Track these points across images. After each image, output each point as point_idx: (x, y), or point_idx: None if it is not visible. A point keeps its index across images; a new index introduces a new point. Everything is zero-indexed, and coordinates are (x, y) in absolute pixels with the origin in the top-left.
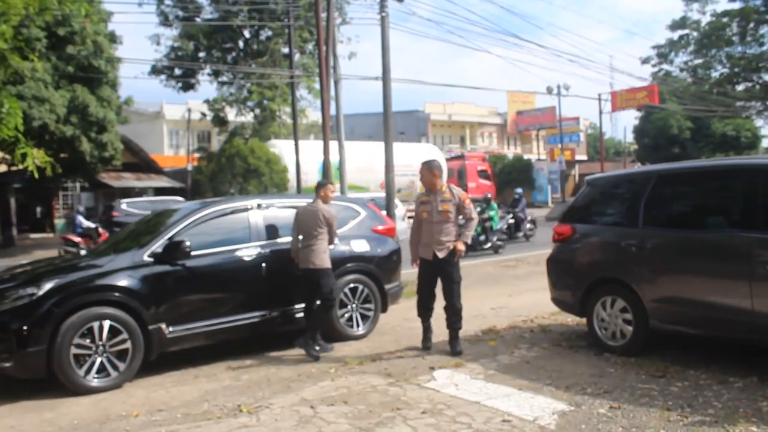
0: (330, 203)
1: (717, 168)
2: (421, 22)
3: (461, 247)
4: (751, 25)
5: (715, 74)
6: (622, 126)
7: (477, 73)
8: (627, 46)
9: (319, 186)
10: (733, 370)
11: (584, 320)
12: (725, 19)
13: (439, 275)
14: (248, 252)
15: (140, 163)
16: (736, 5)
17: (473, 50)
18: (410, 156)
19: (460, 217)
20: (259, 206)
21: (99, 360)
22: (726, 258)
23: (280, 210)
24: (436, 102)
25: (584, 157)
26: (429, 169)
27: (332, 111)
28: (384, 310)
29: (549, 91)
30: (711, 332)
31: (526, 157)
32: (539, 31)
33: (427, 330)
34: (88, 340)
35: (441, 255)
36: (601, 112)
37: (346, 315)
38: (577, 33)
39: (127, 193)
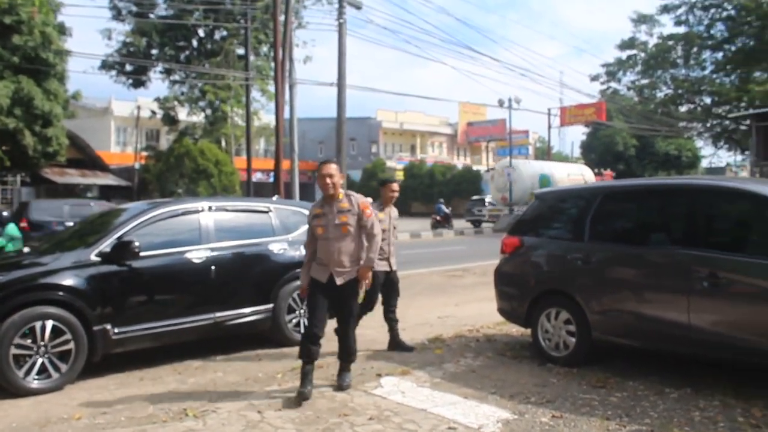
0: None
1: (660, 187)
2: (378, 30)
3: (367, 275)
4: (695, 49)
5: (660, 95)
6: (570, 141)
7: (430, 83)
8: (577, 62)
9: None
10: (670, 381)
11: (529, 331)
12: (671, 43)
13: (335, 304)
14: (198, 254)
15: (86, 159)
16: (681, 30)
17: (428, 60)
18: (576, 170)
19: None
20: (210, 208)
21: (40, 361)
22: (666, 274)
23: (231, 213)
24: (388, 110)
25: None
26: (325, 169)
27: (285, 114)
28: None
29: (500, 104)
30: (650, 345)
31: (475, 168)
32: (493, 44)
33: (308, 374)
34: (29, 341)
35: (340, 281)
36: (550, 127)
37: (294, 320)
38: (529, 48)
39: (71, 189)
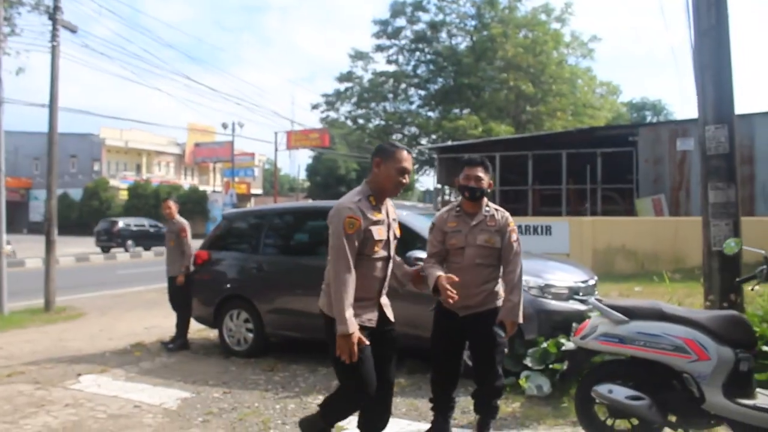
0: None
1: (310, 209)
2: (95, 54)
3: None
4: (402, 86)
5: (373, 124)
6: (298, 164)
7: (158, 100)
8: (313, 88)
9: None
10: (323, 361)
11: None
12: (382, 79)
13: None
14: None
15: None
16: (392, 68)
17: (153, 80)
18: None
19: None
20: None
21: None
22: (311, 277)
23: None
24: (112, 127)
25: (260, 191)
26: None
27: None
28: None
29: (224, 126)
30: (303, 335)
31: (202, 188)
32: (222, 67)
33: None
34: None
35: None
36: (276, 149)
37: None
38: (262, 72)
39: None
